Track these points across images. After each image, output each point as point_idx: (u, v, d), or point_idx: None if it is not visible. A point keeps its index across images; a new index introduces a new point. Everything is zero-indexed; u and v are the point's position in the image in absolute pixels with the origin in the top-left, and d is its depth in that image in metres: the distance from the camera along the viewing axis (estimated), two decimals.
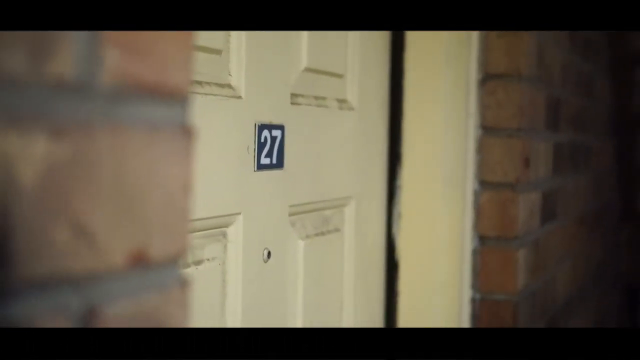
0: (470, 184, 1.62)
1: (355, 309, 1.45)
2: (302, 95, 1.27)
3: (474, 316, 1.63)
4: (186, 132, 0.60)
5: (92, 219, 0.51)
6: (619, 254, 3.41)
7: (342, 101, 1.40)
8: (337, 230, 1.40)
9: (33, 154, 0.46)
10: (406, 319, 1.61)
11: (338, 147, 1.37)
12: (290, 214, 1.23)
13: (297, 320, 1.27)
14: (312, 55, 1.28)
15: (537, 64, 1.72)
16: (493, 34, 1.60)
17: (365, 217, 1.48)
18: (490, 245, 1.63)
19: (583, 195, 2.40)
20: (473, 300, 1.63)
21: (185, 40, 0.59)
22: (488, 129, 1.62)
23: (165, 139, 0.58)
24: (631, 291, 3.61)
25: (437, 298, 1.62)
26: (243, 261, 1.12)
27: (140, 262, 0.56)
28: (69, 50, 0.49)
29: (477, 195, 1.62)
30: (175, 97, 0.58)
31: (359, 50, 1.43)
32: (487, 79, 1.61)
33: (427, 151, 1.60)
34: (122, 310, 0.54)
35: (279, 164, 1.18)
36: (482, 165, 1.62)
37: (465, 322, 1.63)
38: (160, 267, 0.58)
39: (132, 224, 0.55)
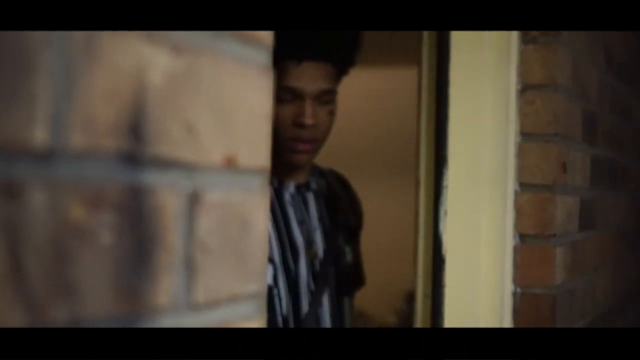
0: (510, 185, 1.76)
1: None
2: None
3: (515, 309, 1.76)
4: (267, 72, 0.76)
5: (198, 122, 0.67)
6: None
7: None
8: None
9: (160, 62, 0.62)
10: (452, 310, 1.74)
11: None
12: None
13: None
14: None
15: (572, 77, 1.86)
16: (530, 48, 1.75)
17: None
18: (529, 242, 1.76)
19: (622, 213, 2.51)
20: (514, 294, 1.76)
21: None
22: (527, 135, 1.76)
23: (252, 73, 0.74)
24: None
25: (481, 291, 1.75)
26: None
27: (231, 164, 0.71)
28: None
29: (517, 195, 1.76)
30: (259, 42, 0.74)
31: None
32: (526, 89, 1.76)
33: (471, 154, 1.75)
34: (217, 198, 0.70)
35: None
36: (522, 168, 1.76)
37: (507, 314, 1.76)
38: (246, 173, 0.74)
39: (226, 133, 0.71)
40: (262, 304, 0.76)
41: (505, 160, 1.76)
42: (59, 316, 0.55)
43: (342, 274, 2.06)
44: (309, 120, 1.92)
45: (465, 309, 1.75)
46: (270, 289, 1.89)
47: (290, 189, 2.01)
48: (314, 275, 1.99)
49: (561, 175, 1.79)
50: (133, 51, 0.60)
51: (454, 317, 1.75)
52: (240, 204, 0.73)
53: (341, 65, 1.97)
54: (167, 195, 0.64)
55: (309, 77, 1.93)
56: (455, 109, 1.75)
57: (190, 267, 0.67)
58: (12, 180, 0.52)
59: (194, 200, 0.67)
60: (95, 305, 0.58)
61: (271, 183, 2.01)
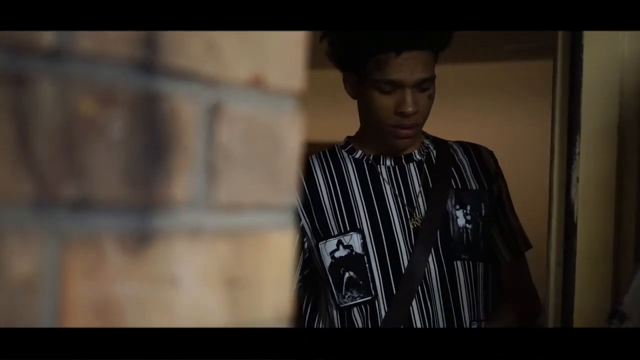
0: None
1: None
2: None
3: None
4: None
5: (220, 42, 0.75)
6: None
7: None
8: None
9: None
10: (582, 277, 1.74)
11: None
12: None
13: None
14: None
15: None
16: None
17: None
18: None
19: None
20: None
21: None
22: None
23: None
24: None
25: (612, 260, 1.73)
26: None
27: (259, 83, 0.79)
28: None
29: None
30: None
31: None
32: None
33: (604, 122, 1.73)
34: (242, 112, 0.77)
35: None
36: None
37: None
38: (276, 94, 0.81)
39: (254, 55, 0.78)
40: (291, 218, 0.83)
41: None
42: (68, 194, 0.64)
43: (451, 238, 2.12)
44: (410, 109, 2.05)
45: (597, 277, 1.73)
46: (361, 257, 2.07)
47: (387, 162, 2.15)
48: (416, 240, 2.08)
49: None
50: None
51: (585, 285, 1.74)
52: (270, 122, 0.80)
53: (438, 50, 2.07)
54: (185, 103, 0.72)
55: (408, 69, 2.04)
56: (589, 75, 1.74)
57: (210, 170, 0.75)
58: (22, 72, 0.62)
59: (215, 111, 0.75)
60: (105, 189, 0.67)
61: (366, 160, 2.13)
